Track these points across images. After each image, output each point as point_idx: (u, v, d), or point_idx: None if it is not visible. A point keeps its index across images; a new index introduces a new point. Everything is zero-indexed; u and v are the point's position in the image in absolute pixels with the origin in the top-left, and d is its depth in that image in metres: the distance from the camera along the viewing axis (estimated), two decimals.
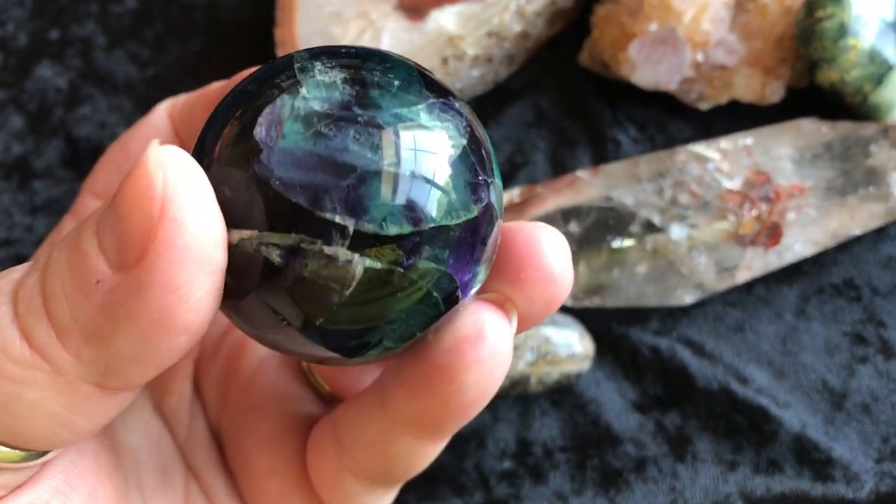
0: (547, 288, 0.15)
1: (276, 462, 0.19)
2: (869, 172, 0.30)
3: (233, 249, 0.13)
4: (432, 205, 0.13)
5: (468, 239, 0.14)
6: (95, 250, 0.13)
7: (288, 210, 0.13)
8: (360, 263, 0.13)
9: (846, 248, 0.30)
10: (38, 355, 0.13)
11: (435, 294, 0.14)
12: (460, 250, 0.14)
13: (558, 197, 0.30)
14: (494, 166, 0.15)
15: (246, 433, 0.19)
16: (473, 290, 0.15)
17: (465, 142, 0.14)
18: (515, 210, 0.30)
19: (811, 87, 0.32)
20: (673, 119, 0.32)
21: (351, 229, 0.13)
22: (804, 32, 0.30)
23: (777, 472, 0.27)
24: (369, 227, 0.13)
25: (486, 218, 0.14)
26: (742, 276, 0.29)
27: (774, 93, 0.32)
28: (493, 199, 0.14)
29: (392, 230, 0.13)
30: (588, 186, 0.30)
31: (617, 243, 0.29)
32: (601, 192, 0.30)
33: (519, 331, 0.16)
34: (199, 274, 0.12)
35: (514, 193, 0.31)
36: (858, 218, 0.29)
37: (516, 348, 0.27)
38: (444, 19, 0.31)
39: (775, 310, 0.30)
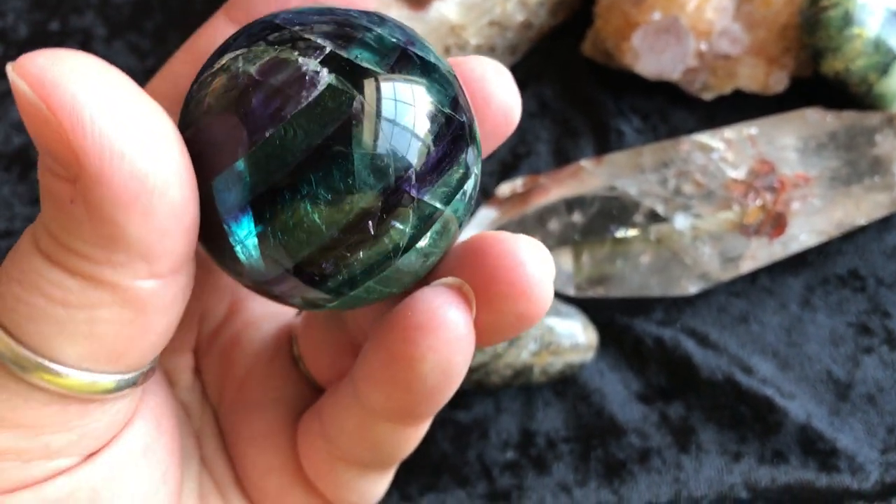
0: (519, 303, 0.15)
1: (274, 458, 0.19)
2: (874, 162, 0.29)
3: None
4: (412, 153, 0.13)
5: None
6: (52, 179, 0.13)
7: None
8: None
9: (851, 238, 0.30)
10: (87, 280, 0.13)
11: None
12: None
13: (562, 187, 0.30)
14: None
15: (242, 430, 0.19)
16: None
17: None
18: (519, 200, 0.30)
19: (816, 76, 0.31)
20: (676, 109, 0.32)
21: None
22: (809, 21, 0.30)
23: (782, 463, 0.27)
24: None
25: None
26: (746, 267, 0.29)
27: (778, 82, 0.31)
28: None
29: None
30: (591, 176, 0.30)
31: (621, 233, 0.29)
32: (605, 182, 0.29)
33: (488, 344, 0.15)
34: (129, 130, 0.12)
35: (517, 183, 0.30)
36: (863, 208, 0.29)
37: (519, 338, 0.27)
38: (446, 9, 0.30)
39: (780, 300, 0.29)
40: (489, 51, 0.32)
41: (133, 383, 0.15)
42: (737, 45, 0.31)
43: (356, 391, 0.16)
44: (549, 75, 0.33)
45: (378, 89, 0.14)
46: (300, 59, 0.14)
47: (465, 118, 0.15)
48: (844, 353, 0.29)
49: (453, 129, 0.14)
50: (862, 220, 0.29)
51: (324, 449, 0.18)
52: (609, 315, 0.29)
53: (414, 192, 0.14)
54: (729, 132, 0.30)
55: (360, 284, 0.14)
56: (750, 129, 0.30)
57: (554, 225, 0.29)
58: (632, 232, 0.29)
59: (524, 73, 0.33)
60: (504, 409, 0.29)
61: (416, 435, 0.17)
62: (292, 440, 0.19)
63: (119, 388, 0.14)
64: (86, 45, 0.34)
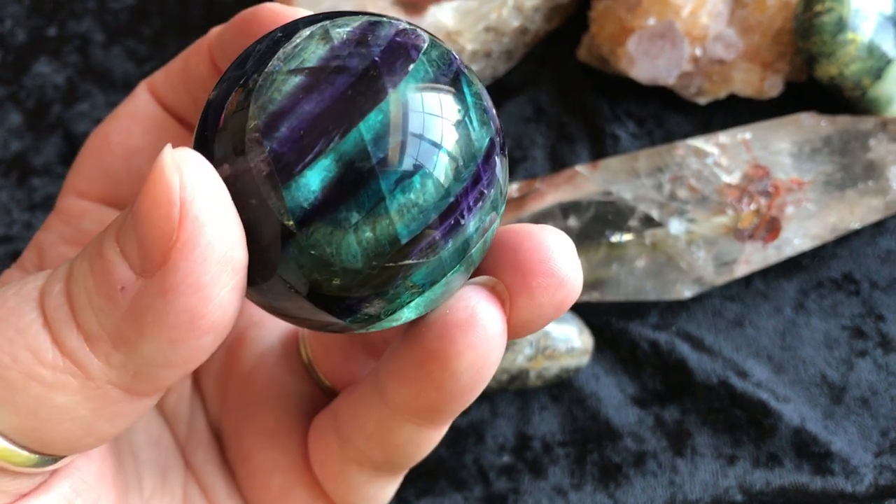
0: (557, 293, 0.15)
1: (279, 457, 0.19)
2: (868, 166, 0.30)
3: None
4: (440, 169, 0.13)
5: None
6: (118, 257, 0.13)
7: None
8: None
9: (845, 241, 0.30)
10: (70, 361, 0.13)
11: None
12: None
13: (557, 192, 0.30)
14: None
15: (246, 429, 0.19)
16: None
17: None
18: (514, 205, 0.30)
19: (810, 81, 0.32)
20: (671, 114, 0.32)
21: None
22: (803, 26, 0.30)
23: (776, 466, 0.27)
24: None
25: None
26: (741, 271, 0.29)
27: (773, 87, 0.32)
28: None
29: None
30: (587, 181, 0.30)
31: (616, 238, 0.29)
32: (600, 187, 0.30)
33: (527, 333, 0.16)
34: (222, 273, 0.12)
35: (512, 188, 0.31)
36: (857, 212, 0.29)
37: (515, 343, 0.27)
38: (442, 14, 0.30)
39: (774, 304, 0.30)
40: (485, 56, 0.32)
41: (57, 461, 0.14)
42: (731, 50, 0.31)
43: (382, 390, 0.16)
44: (545, 81, 0.33)
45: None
46: (392, 21, 0.14)
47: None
48: (838, 357, 0.29)
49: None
50: (856, 225, 0.29)
51: (337, 450, 0.18)
52: (604, 319, 0.30)
53: (466, 213, 0.14)
54: (723, 137, 0.30)
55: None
56: (744, 133, 0.30)
57: None
58: (627, 236, 0.29)
59: (520, 79, 0.33)
60: (500, 413, 0.29)
61: (435, 437, 0.17)
62: (299, 440, 0.19)
63: (41, 465, 0.14)
64: (84, 50, 0.34)
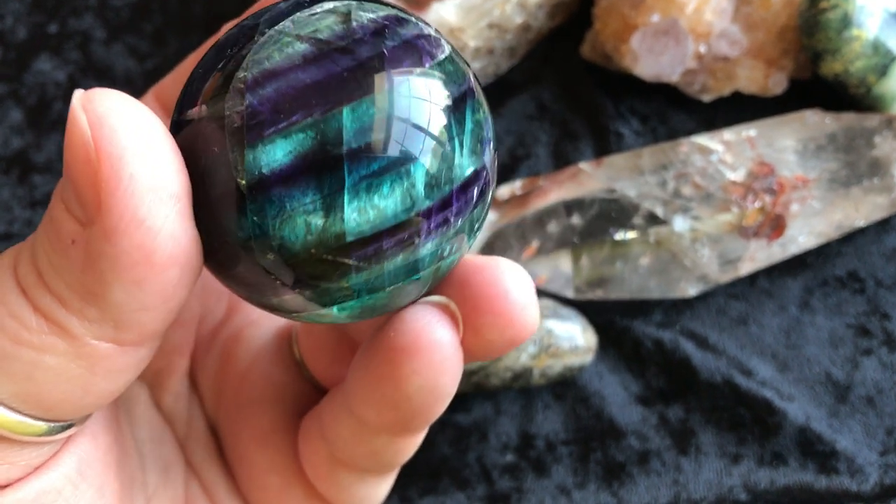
0: (506, 332, 0.15)
1: (275, 457, 0.19)
2: (873, 164, 0.29)
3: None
4: (410, 182, 0.13)
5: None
6: (64, 213, 0.13)
7: None
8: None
9: (850, 239, 0.30)
10: (49, 322, 0.13)
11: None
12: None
13: (560, 189, 0.30)
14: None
15: (242, 428, 0.19)
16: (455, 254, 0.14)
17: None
18: (517, 203, 0.30)
19: (815, 78, 0.31)
20: (675, 111, 0.32)
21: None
22: (807, 23, 0.30)
23: (781, 465, 0.27)
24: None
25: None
26: (745, 269, 0.29)
27: (777, 84, 0.31)
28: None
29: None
30: (591, 178, 0.30)
31: (620, 235, 0.29)
32: (604, 185, 0.29)
33: (477, 360, 0.15)
34: (159, 203, 0.12)
35: (516, 186, 0.30)
36: (862, 209, 0.29)
37: None
38: (445, 11, 0.30)
39: (779, 302, 0.29)
40: (488, 53, 0.32)
41: (64, 430, 0.14)
42: (736, 46, 0.31)
43: (348, 403, 0.16)
44: (548, 78, 0.33)
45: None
46: (420, 23, 0.14)
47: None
48: (843, 355, 0.29)
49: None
50: (861, 222, 0.29)
51: (324, 452, 0.18)
52: (608, 317, 0.29)
53: (423, 234, 0.13)
54: (728, 134, 0.30)
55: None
56: (749, 130, 0.30)
57: (553, 227, 0.29)
58: (631, 234, 0.29)
59: (523, 76, 0.33)
60: (503, 412, 0.29)
61: (412, 443, 0.17)
62: (293, 439, 0.19)
63: (49, 433, 0.14)
64: (85, 47, 0.34)
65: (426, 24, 0.14)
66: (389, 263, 0.13)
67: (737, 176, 0.29)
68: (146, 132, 0.12)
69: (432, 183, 0.13)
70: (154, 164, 0.12)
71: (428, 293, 0.15)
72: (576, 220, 0.29)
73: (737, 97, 0.32)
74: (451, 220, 0.13)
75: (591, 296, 0.29)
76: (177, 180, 0.12)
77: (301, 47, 0.13)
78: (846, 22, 0.29)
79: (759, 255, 0.29)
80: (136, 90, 0.33)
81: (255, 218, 0.12)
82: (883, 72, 0.30)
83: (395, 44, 0.13)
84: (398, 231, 0.13)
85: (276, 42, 0.13)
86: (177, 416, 0.20)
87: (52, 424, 0.14)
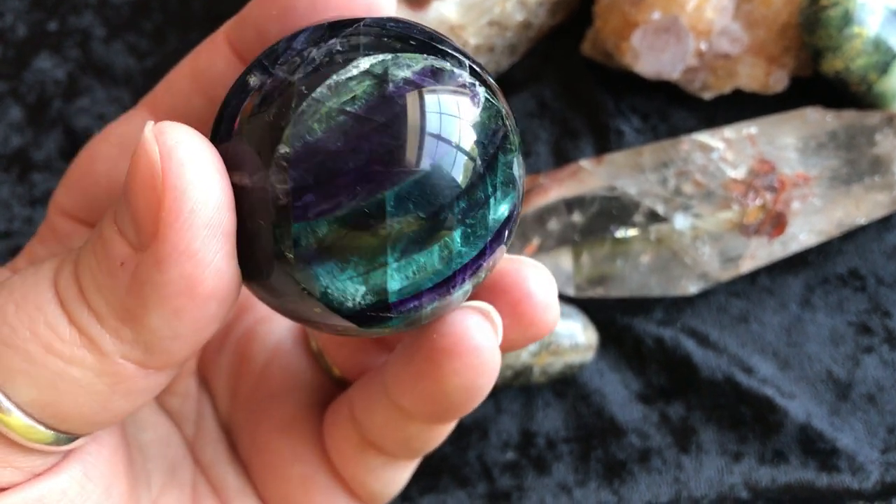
0: (531, 329, 0.16)
1: (297, 447, 0.19)
2: (874, 161, 0.29)
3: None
4: (447, 247, 0.13)
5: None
6: (115, 235, 0.13)
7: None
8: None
9: (851, 237, 0.30)
10: (83, 336, 0.13)
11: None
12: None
13: (561, 187, 0.30)
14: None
15: (262, 421, 0.19)
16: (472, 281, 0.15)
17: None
18: None
19: (815, 75, 0.31)
20: (676, 109, 0.32)
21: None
22: (808, 20, 0.30)
23: (782, 463, 0.27)
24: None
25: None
26: (746, 266, 0.29)
27: (778, 82, 0.31)
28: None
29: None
30: (591, 176, 0.30)
31: (620, 233, 0.29)
32: (605, 182, 0.29)
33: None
34: (212, 238, 0.13)
35: None
36: (863, 207, 0.29)
37: None
38: (445, 8, 0.30)
39: (780, 300, 0.29)
40: (488, 51, 0.32)
41: (70, 441, 0.15)
42: (736, 44, 0.31)
43: (387, 390, 0.17)
44: (549, 75, 0.33)
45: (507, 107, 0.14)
46: (455, 69, 0.14)
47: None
48: (844, 353, 0.29)
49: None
50: (862, 220, 0.29)
51: (354, 436, 0.18)
52: (609, 315, 0.29)
53: (458, 284, 0.14)
54: (729, 132, 0.30)
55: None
56: (750, 128, 0.30)
57: (553, 225, 0.29)
58: (631, 232, 0.29)
59: (523, 74, 0.33)
60: (504, 410, 0.29)
61: (444, 431, 0.18)
62: (314, 429, 0.19)
63: (56, 443, 0.14)
64: (84, 45, 0.34)
65: (461, 64, 0.14)
66: (424, 311, 0.14)
67: (738, 173, 0.29)
68: (209, 170, 0.13)
69: (469, 240, 0.13)
70: (214, 202, 0.13)
71: None
72: (576, 217, 0.29)
73: (738, 95, 0.32)
74: (483, 264, 0.14)
75: (592, 293, 0.29)
76: (228, 220, 0.13)
77: (341, 120, 0.13)
78: (847, 19, 0.29)
79: (759, 253, 0.29)
80: (136, 88, 0.33)
81: (301, 284, 0.13)
82: (884, 69, 0.30)
83: (433, 111, 0.13)
84: (436, 289, 0.14)
85: (314, 113, 0.13)
86: (185, 416, 0.20)
87: (60, 435, 0.14)
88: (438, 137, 0.13)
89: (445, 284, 0.14)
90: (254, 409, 0.20)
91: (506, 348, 0.16)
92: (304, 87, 0.13)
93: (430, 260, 0.13)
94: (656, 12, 0.31)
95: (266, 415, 0.19)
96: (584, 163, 0.30)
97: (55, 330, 0.13)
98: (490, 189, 0.14)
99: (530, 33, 0.33)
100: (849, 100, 0.31)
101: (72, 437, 0.14)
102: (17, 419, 0.13)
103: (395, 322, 0.14)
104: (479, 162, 0.13)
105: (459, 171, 0.13)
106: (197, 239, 0.12)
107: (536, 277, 0.16)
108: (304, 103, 0.13)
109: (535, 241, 0.29)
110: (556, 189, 0.30)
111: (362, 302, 0.13)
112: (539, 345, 0.27)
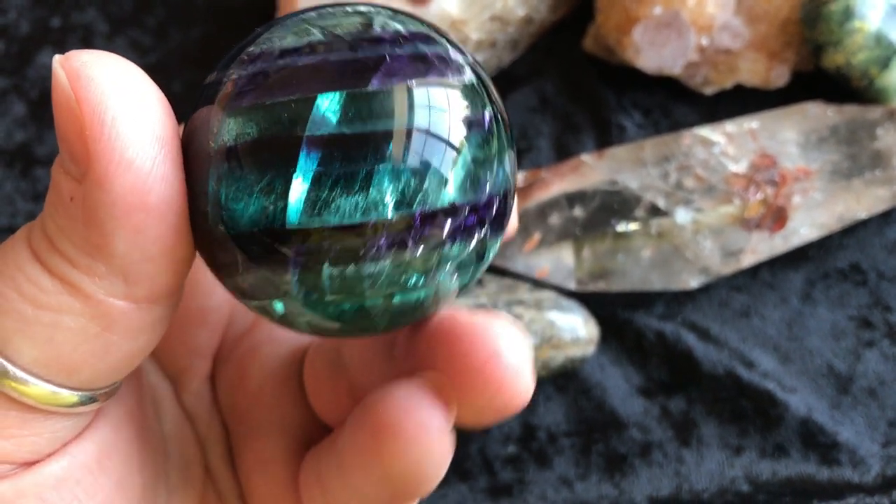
0: (497, 397, 0.14)
1: (274, 487, 0.18)
2: (875, 156, 0.29)
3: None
4: (398, 161, 0.12)
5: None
6: (61, 175, 0.13)
7: None
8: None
9: (852, 232, 0.30)
10: (64, 283, 0.13)
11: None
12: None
13: (563, 181, 0.30)
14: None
15: (247, 452, 0.19)
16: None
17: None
18: (520, 194, 0.30)
19: (817, 70, 0.31)
20: (678, 104, 0.32)
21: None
22: (809, 15, 0.30)
23: (783, 457, 0.27)
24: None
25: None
26: (747, 261, 0.29)
27: (780, 77, 0.31)
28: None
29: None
30: (593, 171, 0.30)
31: (622, 227, 0.29)
32: (606, 177, 0.29)
33: (464, 425, 0.15)
34: (144, 144, 0.12)
35: (518, 178, 0.30)
36: (864, 202, 0.29)
37: None
38: (447, 4, 0.30)
39: (781, 294, 0.29)
40: (490, 46, 0.32)
41: (91, 401, 0.14)
42: (738, 39, 0.31)
43: (339, 462, 0.15)
44: (550, 70, 0.33)
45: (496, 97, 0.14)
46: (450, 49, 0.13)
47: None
48: (845, 347, 0.29)
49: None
50: (863, 214, 0.29)
51: (320, 495, 0.17)
52: (610, 309, 0.29)
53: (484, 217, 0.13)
54: (730, 126, 0.30)
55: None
56: (751, 123, 0.30)
57: (555, 219, 0.29)
58: (633, 226, 0.29)
59: (525, 69, 0.33)
60: None
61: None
62: (293, 471, 0.18)
63: (76, 405, 0.14)
64: (87, 40, 0.34)
65: (460, 50, 0.14)
66: (332, 269, 0.12)
67: (739, 168, 0.29)
68: (124, 77, 0.12)
69: (399, 195, 0.12)
70: (135, 107, 0.12)
71: (411, 342, 0.15)
72: (578, 212, 0.29)
73: (739, 90, 0.32)
74: (409, 244, 0.12)
75: (593, 288, 0.29)
76: (161, 123, 0.13)
77: (315, 36, 0.13)
78: (848, 14, 0.29)
79: (760, 247, 0.29)
80: None
81: (213, 185, 0.13)
82: (885, 64, 0.30)
83: (405, 53, 0.13)
84: (344, 235, 0.12)
85: (295, 27, 0.13)
86: (198, 415, 0.19)
87: (80, 394, 0.14)
88: (398, 75, 0.12)
89: (353, 236, 0.12)
90: (244, 434, 0.19)
91: (468, 422, 0.14)
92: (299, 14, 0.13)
93: (344, 202, 0.12)
94: (657, 7, 0.31)
95: (250, 446, 0.18)
96: (586, 157, 0.30)
97: (38, 284, 0.13)
98: (440, 164, 0.12)
99: (532, 28, 0.33)
100: (850, 94, 0.31)
101: (91, 396, 0.14)
102: (30, 384, 0.13)
103: (294, 279, 0.12)
104: (437, 125, 0.13)
105: (407, 115, 0.12)
106: (129, 147, 0.12)
107: (507, 335, 0.14)
108: (290, 19, 0.13)
109: (537, 236, 0.29)
110: (558, 183, 0.30)
111: (259, 222, 0.12)
112: (540, 338, 0.27)
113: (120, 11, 0.35)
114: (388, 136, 0.12)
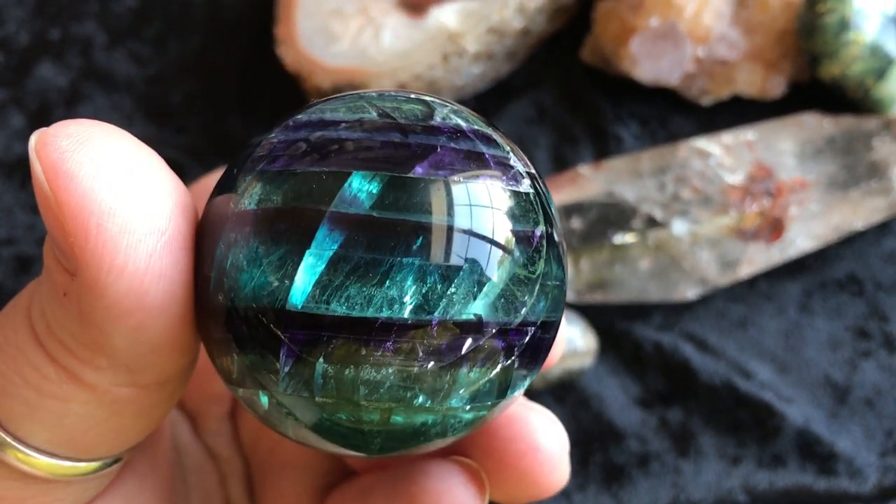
0: (534, 487, 0.14)
1: None
2: (871, 167, 0.30)
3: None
4: (423, 259, 0.11)
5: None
6: (53, 262, 0.12)
7: None
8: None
9: (849, 242, 0.30)
10: (66, 373, 0.12)
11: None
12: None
13: (560, 193, 0.30)
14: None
15: (269, 489, 0.18)
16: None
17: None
18: None
19: (813, 81, 0.32)
20: (674, 114, 0.32)
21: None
22: (805, 27, 0.30)
23: (780, 467, 0.27)
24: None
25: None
26: (744, 271, 0.29)
27: (776, 87, 0.32)
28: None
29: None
30: (589, 182, 0.30)
31: (619, 239, 0.29)
32: (603, 188, 0.30)
33: None
34: (136, 243, 0.11)
35: None
36: (861, 212, 0.29)
37: None
38: (444, 16, 0.30)
39: (778, 305, 0.30)
40: (488, 58, 0.32)
41: (114, 462, 0.14)
42: (734, 50, 0.31)
43: None
44: (548, 82, 0.33)
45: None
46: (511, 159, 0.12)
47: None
48: (843, 358, 0.29)
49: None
50: (860, 225, 0.29)
51: None
52: (608, 320, 0.29)
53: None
54: (727, 137, 0.30)
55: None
56: (748, 134, 0.30)
57: None
58: (630, 237, 0.29)
59: (522, 80, 0.33)
60: None
61: None
62: None
63: (99, 470, 0.13)
64: (86, 52, 0.34)
65: (523, 160, 0.12)
66: (327, 366, 0.11)
67: (735, 179, 0.29)
68: (112, 164, 0.11)
69: (420, 297, 0.11)
70: (126, 201, 0.11)
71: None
72: (575, 223, 0.29)
73: (735, 100, 0.32)
74: (420, 354, 0.11)
75: (591, 299, 0.29)
76: (158, 210, 0.11)
77: (368, 114, 0.12)
78: (844, 25, 0.30)
79: (757, 258, 0.29)
80: (138, 95, 0.33)
81: (223, 249, 0.11)
82: (881, 75, 0.30)
83: (460, 148, 0.12)
84: (347, 328, 0.11)
85: (351, 102, 0.12)
86: (218, 453, 0.19)
87: (99, 462, 0.13)
88: (445, 168, 0.11)
89: (351, 334, 0.11)
90: (266, 474, 0.19)
91: (499, 500, 0.14)
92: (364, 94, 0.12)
93: (353, 293, 0.11)
94: (654, 19, 0.31)
95: (272, 485, 0.18)
96: (583, 168, 0.30)
97: (40, 371, 0.12)
98: (470, 272, 0.11)
99: (529, 40, 0.33)
100: (846, 105, 0.31)
101: (110, 461, 0.14)
102: (44, 461, 0.13)
103: (284, 368, 0.11)
104: (477, 232, 0.11)
105: (446, 211, 0.11)
106: (118, 252, 0.11)
107: (545, 428, 0.14)
108: (351, 94, 0.12)
109: None
110: (555, 195, 0.30)
111: (258, 299, 0.11)
112: None
113: (118, 23, 0.35)
114: (422, 229, 0.11)
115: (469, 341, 0.11)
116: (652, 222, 0.29)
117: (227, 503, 0.19)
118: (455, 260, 0.11)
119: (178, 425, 0.19)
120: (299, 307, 0.11)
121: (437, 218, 0.11)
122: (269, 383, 0.11)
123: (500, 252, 0.11)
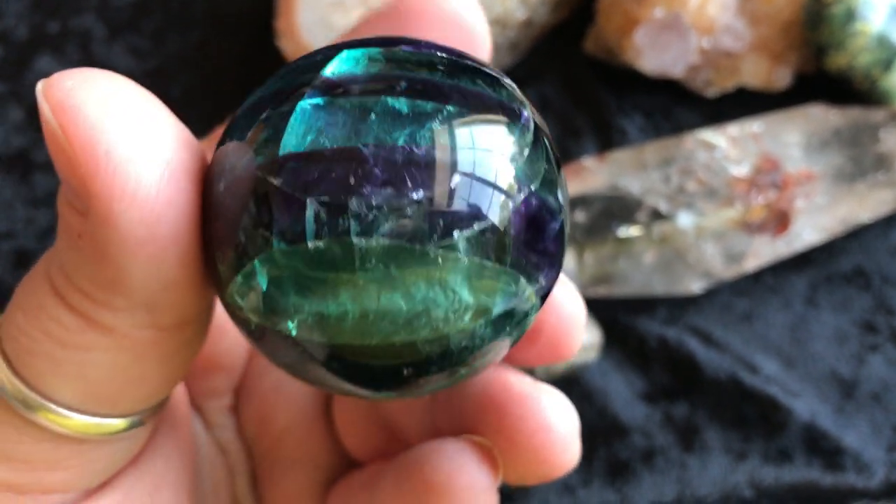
0: (546, 465, 0.14)
1: None
2: (878, 159, 0.29)
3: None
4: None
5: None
6: (66, 208, 0.12)
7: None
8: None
9: (855, 235, 0.30)
10: (87, 320, 0.12)
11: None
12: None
13: None
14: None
15: (272, 484, 0.18)
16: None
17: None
18: None
19: (819, 72, 0.31)
20: (679, 106, 0.32)
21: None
22: (812, 17, 0.30)
23: (787, 462, 0.27)
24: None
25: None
26: (750, 265, 0.29)
27: (782, 79, 0.31)
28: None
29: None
30: (594, 174, 0.29)
31: (623, 232, 0.29)
32: (607, 180, 0.29)
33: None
34: (144, 170, 0.11)
35: None
36: (868, 205, 0.29)
37: None
38: None
39: (784, 298, 0.29)
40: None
41: (139, 423, 0.14)
42: (740, 41, 0.31)
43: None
44: (551, 73, 0.33)
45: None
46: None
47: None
48: (849, 352, 0.29)
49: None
50: (866, 218, 0.29)
51: None
52: (612, 314, 0.29)
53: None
54: (732, 129, 0.30)
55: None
56: (753, 125, 0.30)
57: None
58: (634, 230, 0.29)
59: (526, 72, 0.33)
60: None
61: None
62: None
63: (128, 428, 0.14)
64: (85, 46, 0.34)
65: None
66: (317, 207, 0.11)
67: (741, 171, 0.29)
68: (116, 98, 0.11)
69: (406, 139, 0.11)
70: (131, 131, 0.11)
71: (459, 407, 0.14)
72: (579, 216, 0.29)
73: (741, 92, 0.32)
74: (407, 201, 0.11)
75: (595, 293, 0.29)
76: (162, 141, 0.11)
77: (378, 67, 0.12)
78: (850, 16, 0.29)
79: (763, 251, 0.29)
80: None
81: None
82: (888, 66, 0.30)
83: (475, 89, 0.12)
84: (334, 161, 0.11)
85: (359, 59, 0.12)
86: (229, 446, 0.19)
87: (125, 420, 0.13)
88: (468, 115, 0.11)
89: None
90: (268, 468, 0.19)
91: (511, 481, 0.14)
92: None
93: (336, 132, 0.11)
94: (659, 9, 0.30)
95: (275, 481, 0.18)
96: (587, 161, 0.30)
97: (61, 323, 0.12)
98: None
99: (532, 31, 0.32)
100: (853, 96, 0.31)
101: (135, 421, 0.14)
102: (74, 419, 0.13)
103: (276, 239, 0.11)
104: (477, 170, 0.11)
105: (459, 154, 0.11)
106: (129, 178, 0.11)
107: (556, 408, 0.14)
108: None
109: None
110: None
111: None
112: None
113: (118, 17, 0.35)
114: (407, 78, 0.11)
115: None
116: (657, 215, 0.29)
117: (234, 497, 0.19)
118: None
119: (195, 419, 0.19)
120: (291, 150, 0.11)
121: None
122: (265, 245, 0.11)
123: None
